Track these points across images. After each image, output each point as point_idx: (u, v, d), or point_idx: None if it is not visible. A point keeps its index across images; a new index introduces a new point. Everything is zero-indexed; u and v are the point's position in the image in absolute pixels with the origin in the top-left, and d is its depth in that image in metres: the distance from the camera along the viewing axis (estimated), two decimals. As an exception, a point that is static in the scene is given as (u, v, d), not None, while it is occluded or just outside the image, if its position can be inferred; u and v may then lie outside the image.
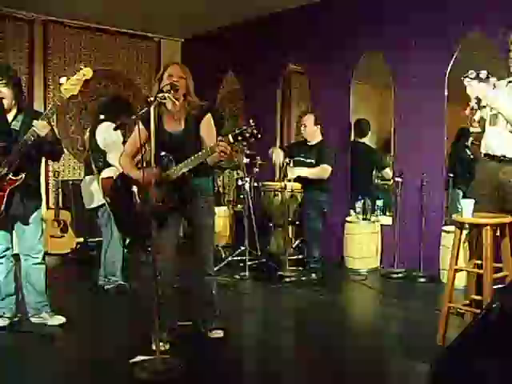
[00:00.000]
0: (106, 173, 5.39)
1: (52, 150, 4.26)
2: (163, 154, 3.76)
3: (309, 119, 6.33)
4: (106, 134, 5.25)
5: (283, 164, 5.98)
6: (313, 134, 6.33)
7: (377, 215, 6.64)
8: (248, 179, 6.27)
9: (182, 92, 3.84)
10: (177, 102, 3.80)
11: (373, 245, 6.33)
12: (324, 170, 6.10)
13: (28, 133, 3.99)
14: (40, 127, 3.97)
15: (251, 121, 3.54)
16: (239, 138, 3.53)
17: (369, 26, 6.41)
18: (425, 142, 6.00)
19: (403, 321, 4.62)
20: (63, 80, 4.01)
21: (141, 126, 3.64)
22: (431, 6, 5.85)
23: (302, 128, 6.42)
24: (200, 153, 3.68)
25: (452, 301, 3.86)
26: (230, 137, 3.55)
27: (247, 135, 3.51)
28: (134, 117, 3.62)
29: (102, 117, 5.53)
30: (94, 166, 5.43)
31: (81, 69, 4.01)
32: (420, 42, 5.97)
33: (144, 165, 3.55)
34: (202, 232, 4.01)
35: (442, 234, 5.71)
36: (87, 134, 5.67)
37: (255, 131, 3.50)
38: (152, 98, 3.50)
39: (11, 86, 4.13)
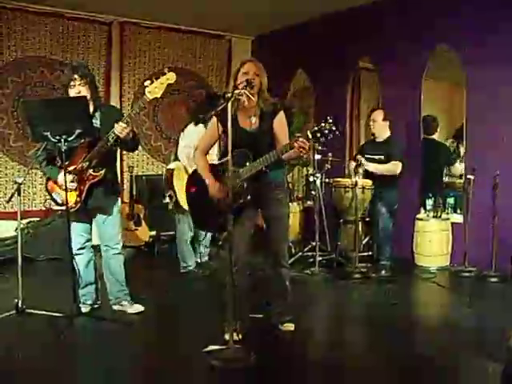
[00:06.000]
0: (171, 165, 5.98)
1: (127, 147, 4.45)
2: (241, 149, 3.81)
3: (379, 115, 6.36)
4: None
5: (356, 163, 6.01)
6: (381, 129, 6.36)
7: (447, 213, 6.57)
8: (319, 175, 6.31)
9: (257, 89, 3.89)
10: (252, 99, 3.85)
11: (443, 243, 6.27)
12: (395, 166, 6.14)
13: (109, 133, 4.15)
14: (120, 129, 4.11)
15: (329, 117, 3.54)
16: (318, 134, 3.55)
17: (441, 21, 6.34)
18: (498, 139, 5.91)
19: (474, 320, 4.56)
20: (147, 83, 4.16)
21: (215, 120, 3.76)
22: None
23: (371, 123, 6.45)
24: (278, 149, 3.74)
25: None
26: (309, 133, 3.58)
27: (326, 132, 3.53)
28: (212, 113, 3.73)
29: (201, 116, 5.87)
30: None
31: (165, 73, 4.16)
32: (494, 36, 5.86)
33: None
34: (277, 224, 4.05)
35: (517, 233, 5.61)
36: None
37: (333, 128, 3.52)
38: (229, 94, 3.56)
39: (88, 84, 4.30)
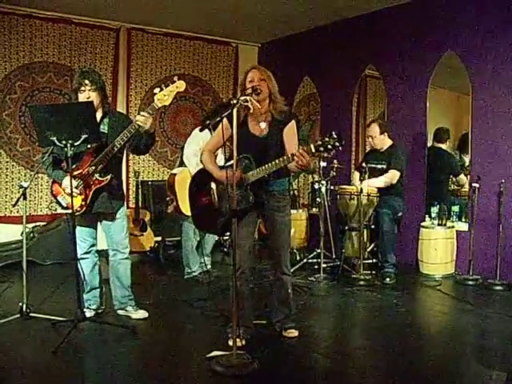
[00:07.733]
0: (175, 170, 6.02)
1: (148, 141, 4.38)
2: (244, 155, 3.84)
3: (373, 129, 6.39)
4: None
5: (361, 170, 6.01)
6: (381, 142, 6.42)
7: (452, 221, 6.56)
8: (324, 182, 6.32)
9: (265, 94, 3.91)
10: (259, 105, 3.86)
11: (448, 251, 6.25)
12: (391, 176, 6.21)
13: (129, 126, 4.15)
14: (143, 120, 4.13)
15: (334, 132, 3.54)
16: (321, 148, 3.56)
17: (447, 29, 6.36)
18: (504, 147, 5.91)
19: (479, 328, 4.56)
20: (157, 90, 4.16)
21: (225, 123, 3.77)
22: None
23: (370, 140, 6.47)
24: (281, 159, 3.73)
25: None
26: (312, 147, 3.58)
27: (329, 147, 3.53)
28: (217, 118, 3.74)
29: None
30: None
31: (174, 81, 4.17)
32: (499, 45, 5.88)
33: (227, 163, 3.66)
34: (279, 231, 4.06)
35: (521, 241, 5.60)
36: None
37: (337, 143, 3.52)
38: (235, 101, 3.58)
39: (98, 90, 4.33)
